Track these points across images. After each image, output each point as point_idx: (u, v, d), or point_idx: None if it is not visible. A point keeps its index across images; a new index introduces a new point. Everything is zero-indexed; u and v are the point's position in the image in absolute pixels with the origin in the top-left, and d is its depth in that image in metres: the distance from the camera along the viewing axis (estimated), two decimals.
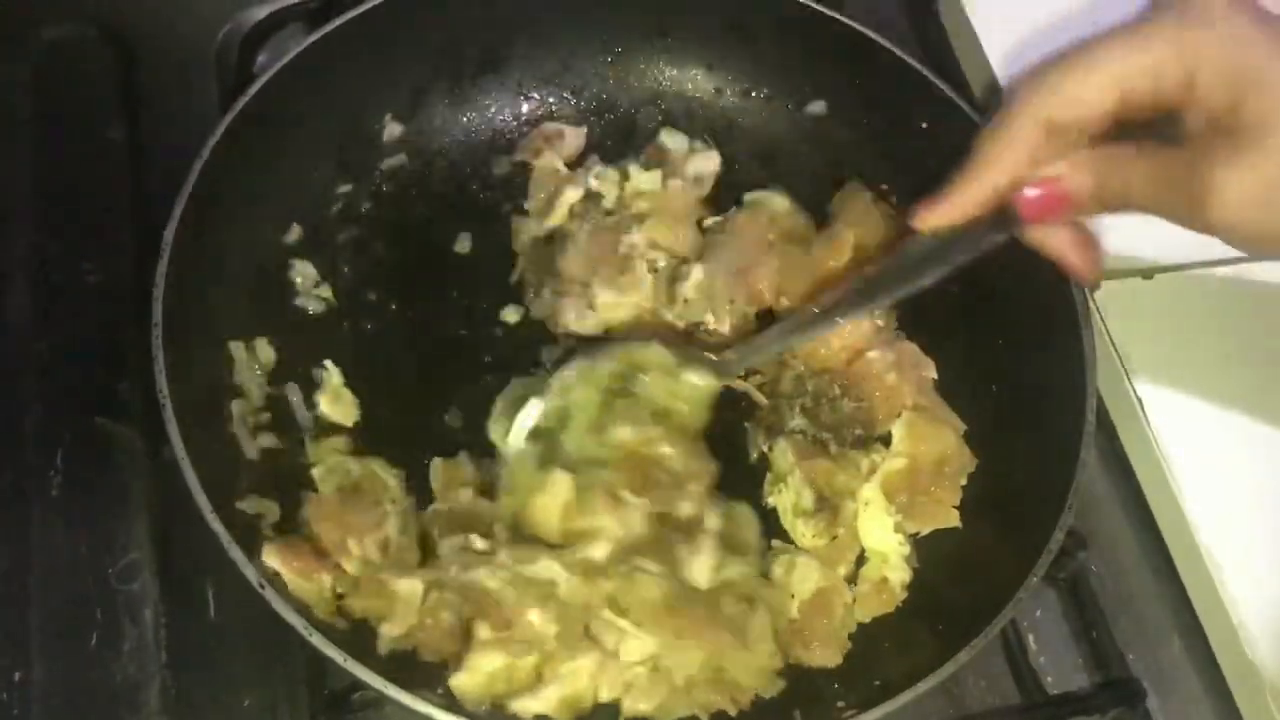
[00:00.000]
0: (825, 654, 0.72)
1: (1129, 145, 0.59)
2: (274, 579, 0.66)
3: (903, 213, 0.85)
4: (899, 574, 0.74)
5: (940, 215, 0.65)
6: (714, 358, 0.78)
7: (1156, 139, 0.58)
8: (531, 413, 0.75)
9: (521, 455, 0.74)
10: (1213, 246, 0.80)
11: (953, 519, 0.75)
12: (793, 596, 0.73)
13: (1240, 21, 0.56)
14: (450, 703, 0.66)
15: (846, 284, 0.74)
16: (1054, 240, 0.65)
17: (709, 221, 0.86)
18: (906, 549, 0.75)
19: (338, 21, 0.80)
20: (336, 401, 0.78)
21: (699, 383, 0.77)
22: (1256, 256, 0.58)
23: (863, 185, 0.86)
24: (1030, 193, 0.62)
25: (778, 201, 0.86)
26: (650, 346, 0.77)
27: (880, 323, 0.81)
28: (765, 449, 0.79)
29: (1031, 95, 0.60)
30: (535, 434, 0.75)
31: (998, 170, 0.62)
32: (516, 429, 0.75)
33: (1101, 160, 0.60)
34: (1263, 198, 0.55)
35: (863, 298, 0.73)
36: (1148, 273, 0.82)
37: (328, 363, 0.79)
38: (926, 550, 0.76)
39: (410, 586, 0.69)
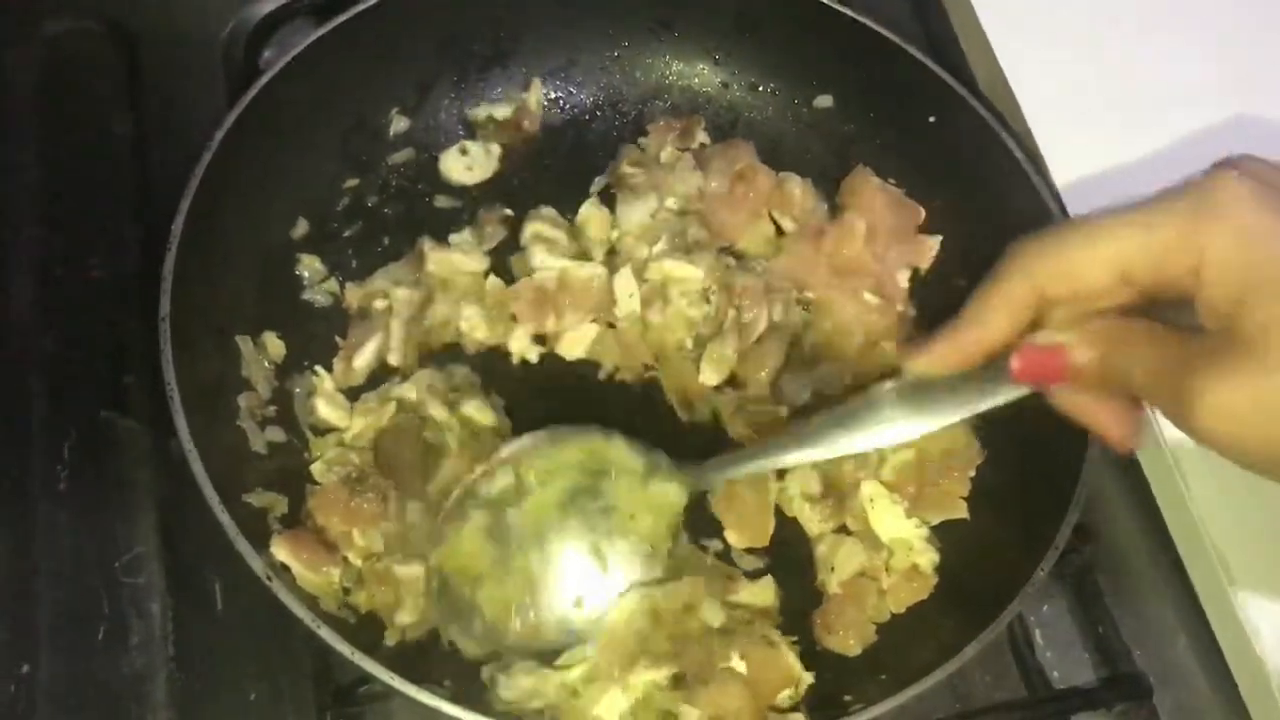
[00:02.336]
0: (848, 642, 0.72)
1: (1143, 326, 0.56)
2: (281, 571, 0.66)
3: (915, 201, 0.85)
4: (927, 557, 0.74)
5: (924, 363, 0.62)
6: (686, 468, 0.72)
7: (1177, 324, 0.55)
8: None
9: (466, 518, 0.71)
10: None
11: (960, 510, 0.75)
12: (833, 570, 0.73)
13: (1259, 217, 0.52)
14: (457, 694, 0.66)
15: (845, 408, 0.68)
16: (1084, 405, 0.60)
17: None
18: (924, 530, 0.75)
19: (343, 17, 0.80)
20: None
21: (668, 494, 0.72)
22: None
23: (870, 171, 0.86)
24: (1022, 355, 0.58)
25: (796, 183, 0.86)
26: (614, 443, 0.72)
27: (900, 309, 0.82)
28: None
29: (1026, 261, 0.58)
30: (488, 502, 0.71)
31: (980, 330, 0.60)
32: None
33: (1111, 336, 0.57)
34: (1248, 415, 0.50)
35: (854, 427, 0.67)
36: None
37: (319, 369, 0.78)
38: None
39: (413, 573, 0.70)
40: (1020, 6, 0.91)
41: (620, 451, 0.72)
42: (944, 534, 0.76)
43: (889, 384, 0.66)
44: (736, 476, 0.73)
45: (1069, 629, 0.77)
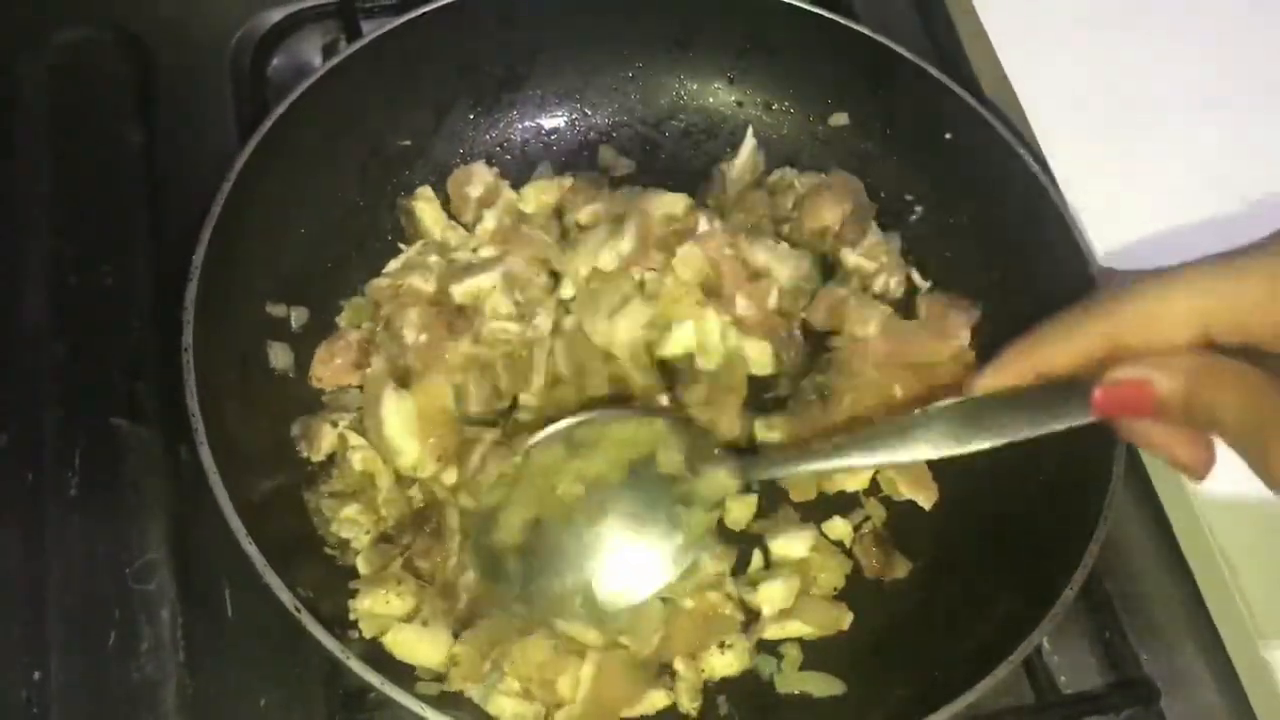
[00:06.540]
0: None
1: (1233, 369, 0.52)
2: (308, 602, 0.64)
3: None
4: None
5: (989, 378, 0.60)
6: (730, 457, 0.71)
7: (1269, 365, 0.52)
8: None
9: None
10: (1225, 247, 0.81)
11: None
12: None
13: None
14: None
15: (902, 419, 0.65)
16: (1157, 435, 0.57)
17: None
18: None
19: (359, 44, 0.80)
20: None
21: (713, 485, 0.70)
22: None
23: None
24: (1106, 388, 0.56)
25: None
26: (657, 423, 0.71)
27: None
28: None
29: (1104, 305, 0.56)
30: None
31: (1049, 355, 0.58)
32: None
33: (1200, 374, 0.53)
34: None
35: (909, 439, 0.64)
36: None
37: None
38: (953, 566, 0.77)
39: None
40: (1025, 15, 0.91)
41: (666, 430, 0.70)
42: (968, 557, 0.76)
43: (948, 400, 0.63)
44: (787, 475, 0.74)
45: (1076, 634, 0.77)
